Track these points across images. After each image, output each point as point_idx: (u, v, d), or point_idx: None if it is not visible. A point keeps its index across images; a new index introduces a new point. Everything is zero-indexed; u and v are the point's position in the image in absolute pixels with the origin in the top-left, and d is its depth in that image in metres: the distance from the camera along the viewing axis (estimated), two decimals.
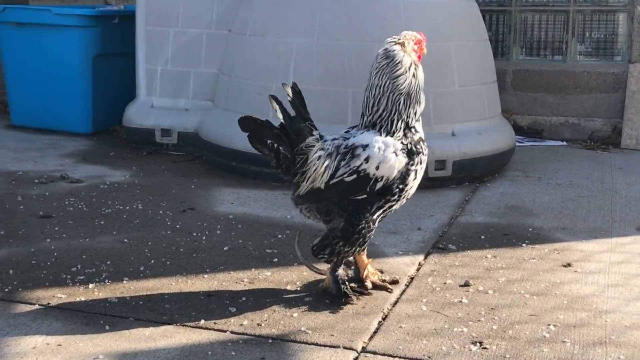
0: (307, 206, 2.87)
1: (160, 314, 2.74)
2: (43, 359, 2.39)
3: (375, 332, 2.64)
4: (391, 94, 2.75)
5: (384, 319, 2.75)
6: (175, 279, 3.08)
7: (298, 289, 3.01)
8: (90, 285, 2.98)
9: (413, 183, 2.81)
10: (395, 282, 3.05)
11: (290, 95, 2.81)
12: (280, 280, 3.08)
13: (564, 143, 6.02)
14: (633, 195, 4.47)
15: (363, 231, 2.79)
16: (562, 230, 3.81)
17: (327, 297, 2.90)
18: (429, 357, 2.46)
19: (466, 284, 3.06)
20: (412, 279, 3.14)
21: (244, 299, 2.89)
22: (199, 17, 5.32)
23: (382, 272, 3.14)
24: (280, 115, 2.77)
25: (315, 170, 2.77)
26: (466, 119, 4.72)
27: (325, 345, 2.52)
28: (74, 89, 5.84)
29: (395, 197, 2.78)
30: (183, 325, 2.65)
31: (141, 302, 2.83)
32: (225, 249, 3.44)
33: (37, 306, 2.78)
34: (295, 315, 2.75)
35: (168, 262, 3.25)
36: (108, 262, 3.23)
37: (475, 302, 2.90)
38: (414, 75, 2.78)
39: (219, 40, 5.25)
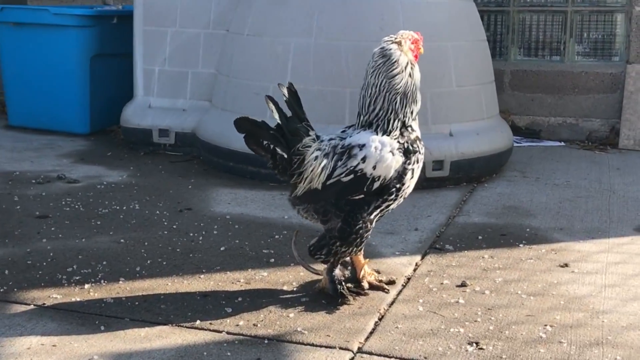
0: (305, 207, 2.86)
1: (156, 314, 2.73)
2: None
3: (371, 333, 2.63)
4: (387, 93, 2.74)
5: (380, 319, 2.74)
6: (172, 279, 3.07)
7: (294, 289, 3.00)
8: (86, 286, 2.97)
9: (410, 182, 2.81)
10: (392, 282, 3.05)
11: (286, 95, 2.80)
12: (276, 281, 3.08)
13: (562, 143, 6.02)
14: (630, 196, 4.47)
15: (360, 231, 2.79)
16: (560, 231, 3.80)
17: (324, 297, 2.89)
18: (425, 358, 2.45)
19: (463, 285, 3.06)
20: (408, 279, 3.14)
21: (240, 299, 2.88)
22: (197, 17, 5.31)
23: (378, 272, 3.13)
24: (276, 116, 2.76)
25: (312, 170, 2.76)
26: (464, 119, 4.72)
27: (321, 346, 2.52)
28: (71, 89, 5.84)
29: (393, 196, 2.77)
30: (179, 326, 2.64)
31: (137, 303, 2.82)
32: (222, 249, 3.43)
33: (32, 306, 2.77)
34: (291, 315, 2.75)
35: (164, 263, 3.25)
36: (104, 263, 3.22)
37: (472, 303, 2.89)
38: (410, 75, 2.77)
39: (217, 40, 5.24)
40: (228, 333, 2.60)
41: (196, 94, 5.34)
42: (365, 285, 2.98)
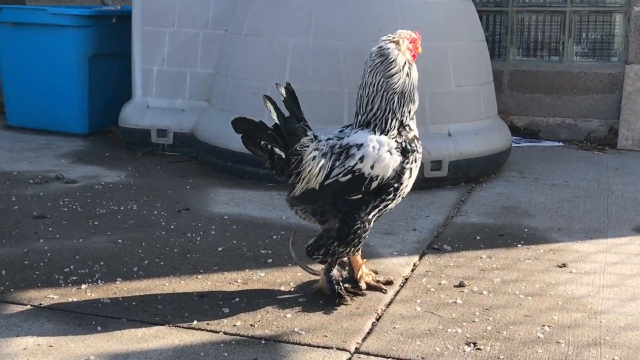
0: (303, 207, 2.86)
1: (153, 314, 2.72)
2: None
3: (368, 333, 2.62)
4: (385, 93, 2.74)
5: (377, 319, 2.74)
6: (169, 279, 3.06)
7: (292, 289, 2.99)
8: (83, 286, 2.96)
9: (408, 181, 2.80)
10: (389, 282, 3.04)
11: (284, 95, 2.79)
12: (274, 281, 3.07)
13: (561, 144, 6.01)
14: (629, 196, 4.46)
15: (359, 231, 2.78)
16: (558, 231, 3.80)
17: (321, 297, 2.88)
18: (423, 358, 2.45)
19: (461, 285, 3.05)
20: (406, 279, 3.13)
21: (237, 299, 2.87)
22: (195, 17, 5.31)
23: (376, 272, 3.12)
24: (274, 116, 2.75)
25: (309, 170, 2.76)
26: (462, 119, 4.71)
27: (318, 346, 2.51)
28: (70, 90, 5.83)
29: (391, 196, 2.77)
30: (176, 326, 2.64)
31: (134, 303, 2.82)
32: (219, 249, 3.42)
33: (29, 307, 2.77)
34: (288, 316, 2.74)
35: (162, 263, 3.24)
36: (101, 263, 3.21)
37: (470, 303, 2.89)
38: (407, 75, 2.77)
39: (215, 40, 5.23)
40: (225, 333, 2.59)
41: (194, 94, 5.33)
42: (363, 285, 2.97)
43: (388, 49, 2.76)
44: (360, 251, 2.93)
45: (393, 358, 2.45)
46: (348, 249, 2.82)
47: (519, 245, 3.56)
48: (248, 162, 4.50)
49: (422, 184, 4.38)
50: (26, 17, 5.87)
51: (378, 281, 3.02)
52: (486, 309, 2.83)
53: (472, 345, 2.54)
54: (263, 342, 2.54)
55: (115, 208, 4.01)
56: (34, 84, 5.94)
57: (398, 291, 3.00)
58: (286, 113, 2.79)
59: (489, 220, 3.95)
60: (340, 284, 2.89)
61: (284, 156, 2.74)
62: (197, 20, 5.30)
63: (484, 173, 4.78)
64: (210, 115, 5.07)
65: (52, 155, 5.24)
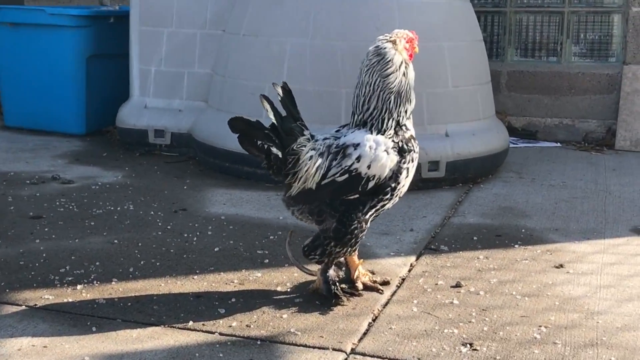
0: (299, 207, 2.85)
1: (149, 315, 2.71)
2: None
3: (365, 334, 2.62)
4: (381, 92, 2.73)
5: (374, 320, 2.73)
6: (165, 280, 3.05)
7: (288, 290, 2.99)
8: (79, 287, 2.95)
9: (405, 181, 2.79)
10: (386, 283, 3.03)
11: (281, 94, 2.78)
12: (270, 282, 3.06)
13: (558, 144, 6.01)
14: (626, 197, 4.46)
15: (355, 231, 2.77)
16: (555, 231, 3.79)
17: (318, 298, 2.87)
18: (419, 359, 2.44)
19: (457, 285, 3.04)
20: (403, 280, 3.12)
21: (233, 300, 2.86)
22: (193, 17, 5.30)
23: (373, 273, 3.12)
24: (271, 115, 2.74)
25: (306, 170, 2.75)
26: (460, 120, 4.71)
27: (314, 347, 2.50)
28: (67, 90, 5.82)
29: (388, 195, 2.76)
30: (171, 327, 2.63)
31: (129, 304, 2.81)
32: (216, 250, 3.41)
33: (23, 307, 2.76)
34: (284, 316, 2.73)
35: (158, 263, 3.23)
36: (97, 263, 3.20)
37: (467, 303, 2.88)
38: (404, 74, 2.76)
39: (213, 41, 5.23)
40: (221, 334, 2.58)
41: (192, 95, 5.32)
42: (360, 285, 2.96)
43: (385, 48, 2.75)
44: (357, 251, 2.92)
45: (389, 359, 2.44)
46: (345, 249, 2.81)
47: (516, 246, 3.56)
48: (245, 162, 4.49)
49: (420, 184, 4.37)
50: (24, 17, 5.86)
51: (375, 281, 3.02)
52: (483, 310, 2.82)
53: (468, 345, 2.53)
54: (259, 342, 2.53)
55: (112, 208, 4.00)
56: (31, 84, 5.93)
57: (395, 291, 2.99)
58: (283, 113, 2.78)
59: (486, 221, 3.94)
60: (337, 284, 2.88)
61: (280, 156, 2.74)
62: (194, 20, 5.29)
63: (482, 174, 4.77)
64: (208, 115, 5.06)
65: (49, 155, 5.23)
